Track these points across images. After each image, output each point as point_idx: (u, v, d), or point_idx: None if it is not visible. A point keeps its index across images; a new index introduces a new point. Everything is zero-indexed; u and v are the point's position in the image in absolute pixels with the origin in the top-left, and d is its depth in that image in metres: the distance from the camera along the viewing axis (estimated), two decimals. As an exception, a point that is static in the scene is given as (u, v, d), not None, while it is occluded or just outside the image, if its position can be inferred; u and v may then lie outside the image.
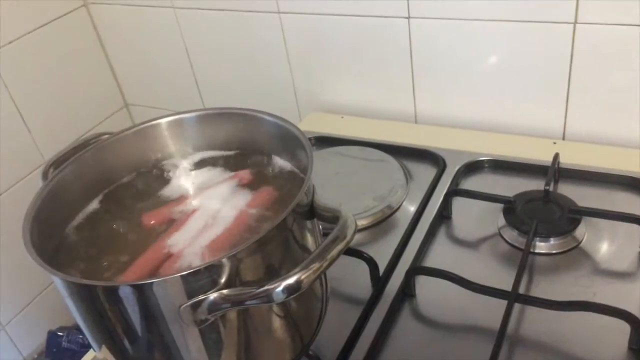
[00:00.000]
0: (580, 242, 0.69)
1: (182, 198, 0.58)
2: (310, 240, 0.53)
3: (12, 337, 1.21)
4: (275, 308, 0.50)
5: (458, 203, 0.77)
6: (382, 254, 0.71)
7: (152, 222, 0.55)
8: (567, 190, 0.76)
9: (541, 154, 0.81)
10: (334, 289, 0.69)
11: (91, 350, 0.67)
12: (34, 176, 1.16)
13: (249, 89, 1.13)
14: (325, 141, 0.95)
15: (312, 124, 1.01)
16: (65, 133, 1.19)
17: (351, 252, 0.69)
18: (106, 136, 0.58)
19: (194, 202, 0.57)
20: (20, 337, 1.22)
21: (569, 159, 0.79)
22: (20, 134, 1.13)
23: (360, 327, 0.63)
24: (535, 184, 0.76)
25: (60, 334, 1.18)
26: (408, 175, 0.84)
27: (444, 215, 0.76)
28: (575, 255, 0.68)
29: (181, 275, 0.43)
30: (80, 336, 1.18)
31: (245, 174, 0.59)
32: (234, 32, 1.07)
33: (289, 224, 0.49)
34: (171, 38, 1.15)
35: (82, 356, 0.68)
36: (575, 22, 0.77)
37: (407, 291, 0.67)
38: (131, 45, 1.23)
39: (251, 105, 1.18)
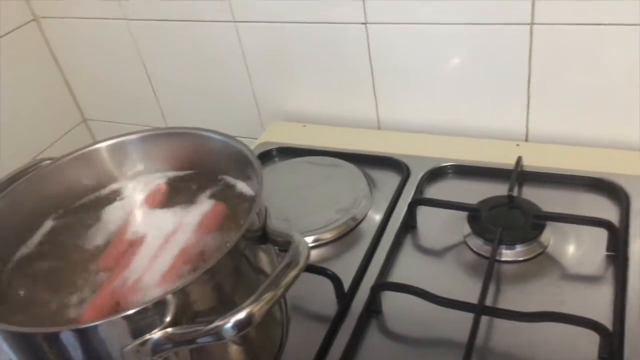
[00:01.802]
0: (546, 248, 0.68)
1: (129, 225, 0.55)
2: (266, 264, 0.51)
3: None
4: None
5: (423, 212, 0.75)
6: (347, 268, 0.69)
7: (105, 263, 0.52)
8: (532, 193, 0.75)
9: (505, 157, 0.79)
10: (296, 307, 0.66)
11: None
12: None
13: (209, 101, 1.10)
14: (287, 152, 0.93)
15: (274, 135, 0.98)
16: (21, 151, 1.15)
17: (314, 269, 0.67)
18: (46, 162, 0.55)
19: (143, 229, 0.54)
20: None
21: (532, 161, 0.78)
22: (-29, 156, 1.09)
23: (326, 347, 0.61)
24: (500, 189, 0.75)
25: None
26: (372, 184, 0.82)
27: (409, 225, 0.75)
28: (542, 262, 0.66)
29: (124, 316, 0.40)
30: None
31: (157, 191, 0.56)
32: (190, 43, 1.04)
33: (241, 249, 0.47)
34: (126, 51, 1.11)
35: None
36: (532, 23, 0.76)
37: (373, 307, 0.65)
38: (86, 59, 1.19)
39: (213, 118, 1.15)
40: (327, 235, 0.75)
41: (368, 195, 0.80)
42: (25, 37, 1.16)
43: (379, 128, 0.97)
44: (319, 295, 0.67)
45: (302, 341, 0.62)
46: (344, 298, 0.66)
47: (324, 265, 0.68)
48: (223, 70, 1.04)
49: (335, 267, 0.67)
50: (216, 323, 0.40)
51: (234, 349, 0.49)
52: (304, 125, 1.00)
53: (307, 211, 0.79)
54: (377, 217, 0.77)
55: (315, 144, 0.92)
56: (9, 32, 1.13)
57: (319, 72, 0.96)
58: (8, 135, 1.14)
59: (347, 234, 0.76)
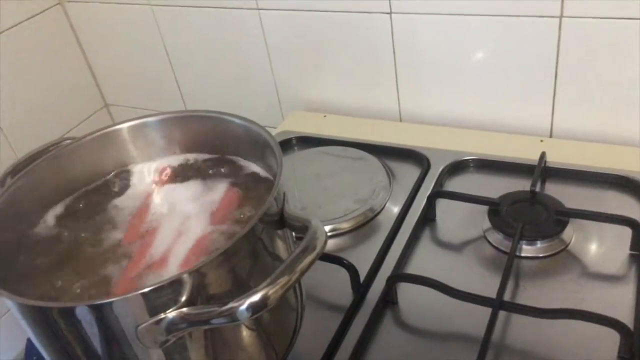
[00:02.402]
0: (567, 245, 0.66)
1: (147, 207, 0.55)
2: (282, 250, 0.51)
3: (-8, 344, 1.18)
4: (245, 322, 0.47)
5: (442, 205, 0.74)
6: (363, 258, 0.69)
7: (127, 240, 0.52)
8: (555, 190, 0.73)
9: (528, 153, 0.78)
10: (312, 296, 0.66)
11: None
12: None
13: (230, 88, 1.10)
14: (307, 141, 0.92)
15: (294, 124, 0.98)
16: (43, 135, 1.15)
17: (330, 258, 0.66)
18: (67, 142, 0.55)
19: (161, 210, 0.54)
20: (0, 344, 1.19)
21: (556, 158, 0.77)
22: (-6, 137, 1.10)
23: (339, 337, 0.61)
24: (522, 184, 0.73)
25: (40, 341, 1.15)
26: (391, 176, 0.82)
27: (427, 217, 0.74)
28: (563, 259, 0.65)
29: (141, 293, 0.40)
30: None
31: (166, 169, 0.57)
32: (213, 29, 1.03)
33: (258, 233, 0.46)
34: (149, 36, 1.12)
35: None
36: (561, 16, 0.75)
37: (388, 298, 0.64)
38: (109, 44, 1.20)
39: (233, 105, 1.15)
40: (345, 225, 0.75)
41: (387, 187, 0.79)
42: (50, 20, 1.17)
43: (400, 120, 0.96)
44: (335, 285, 0.66)
45: (316, 330, 0.61)
46: (360, 288, 0.65)
47: (341, 255, 0.67)
48: (245, 58, 1.04)
49: (351, 257, 0.67)
50: (231, 304, 0.39)
51: (248, 334, 0.49)
52: (324, 116, 0.99)
53: (325, 201, 0.79)
54: (396, 209, 0.76)
55: (335, 135, 0.91)
56: (34, 15, 1.14)
57: (340, 62, 0.95)
58: (30, 118, 1.16)
59: (364, 225, 0.75)
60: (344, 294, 0.65)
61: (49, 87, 1.19)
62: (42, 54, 1.17)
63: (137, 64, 1.19)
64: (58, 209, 0.54)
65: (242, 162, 0.57)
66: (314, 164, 0.86)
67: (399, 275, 0.65)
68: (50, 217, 0.53)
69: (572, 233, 0.67)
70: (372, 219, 0.76)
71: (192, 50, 1.09)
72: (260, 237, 0.46)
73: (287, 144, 0.93)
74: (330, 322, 0.62)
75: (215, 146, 0.57)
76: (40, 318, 0.43)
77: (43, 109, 1.18)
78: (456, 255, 0.69)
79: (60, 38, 1.20)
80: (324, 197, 0.79)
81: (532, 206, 0.69)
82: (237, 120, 0.54)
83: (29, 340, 1.17)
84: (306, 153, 0.90)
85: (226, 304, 0.40)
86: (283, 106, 1.06)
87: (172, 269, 0.48)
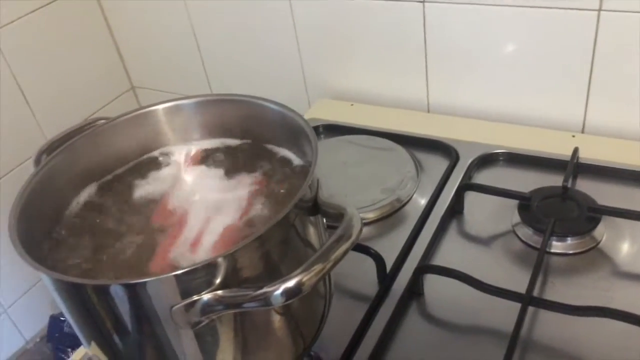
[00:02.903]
0: (599, 243, 0.65)
1: (179, 188, 0.55)
2: (314, 237, 0.51)
3: (15, 320, 1.20)
4: (276, 307, 0.47)
5: (471, 198, 0.74)
6: (389, 249, 0.68)
7: (159, 221, 0.53)
8: (587, 186, 0.72)
9: (559, 148, 0.77)
10: (338, 285, 0.66)
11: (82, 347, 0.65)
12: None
13: (257, 74, 1.10)
14: (333, 129, 0.92)
15: (320, 112, 0.97)
16: (70, 115, 1.16)
17: (357, 247, 0.66)
18: (102, 122, 0.55)
19: (193, 193, 0.54)
20: (22, 321, 1.21)
21: (588, 154, 0.75)
22: (23, 116, 1.11)
23: (365, 326, 0.61)
24: (553, 180, 0.72)
25: (62, 319, 1.16)
26: (419, 167, 0.81)
27: (455, 210, 0.73)
28: (594, 256, 0.64)
29: (175, 275, 0.41)
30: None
31: (199, 152, 0.57)
32: (243, 16, 1.03)
33: (291, 219, 0.46)
34: (178, 20, 1.11)
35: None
36: (600, 10, 0.73)
37: (414, 289, 0.64)
38: (138, 27, 1.20)
39: (259, 91, 1.14)
40: (371, 215, 0.74)
41: (414, 178, 0.79)
42: (80, 1, 1.17)
43: (428, 111, 0.95)
44: (361, 274, 0.66)
45: (342, 318, 0.61)
46: (386, 278, 0.65)
47: (367, 244, 0.67)
48: (273, 45, 1.04)
49: (377, 247, 0.66)
50: (265, 289, 0.40)
51: (278, 319, 0.49)
52: (352, 104, 0.98)
53: (352, 190, 0.78)
54: (423, 200, 0.76)
55: (362, 124, 0.91)
56: (64, -4, 1.14)
57: (370, 50, 0.94)
58: (57, 98, 1.17)
59: (391, 215, 0.75)
60: (369, 284, 0.65)
61: (76, 69, 1.20)
62: (71, 34, 1.17)
63: (165, 48, 1.19)
64: (92, 187, 0.55)
65: (275, 147, 0.57)
66: (340, 153, 0.86)
67: (426, 267, 0.65)
68: (84, 195, 0.54)
69: (603, 231, 0.66)
70: (399, 209, 0.75)
71: (221, 36, 1.09)
72: (293, 223, 0.46)
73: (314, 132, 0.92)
74: (356, 311, 0.62)
75: (249, 131, 0.57)
76: (74, 294, 0.44)
77: (70, 90, 1.19)
78: (484, 249, 0.68)
79: (90, 19, 1.21)
80: (351, 186, 0.79)
81: (563, 202, 0.69)
82: (272, 106, 0.54)
83: (51, 317, 1.19)
84: (333, 141, 0.89)
85: (261, 288, 0.40)
86: (310, 94, 1.06)
87: (204, 253, 0.48)
